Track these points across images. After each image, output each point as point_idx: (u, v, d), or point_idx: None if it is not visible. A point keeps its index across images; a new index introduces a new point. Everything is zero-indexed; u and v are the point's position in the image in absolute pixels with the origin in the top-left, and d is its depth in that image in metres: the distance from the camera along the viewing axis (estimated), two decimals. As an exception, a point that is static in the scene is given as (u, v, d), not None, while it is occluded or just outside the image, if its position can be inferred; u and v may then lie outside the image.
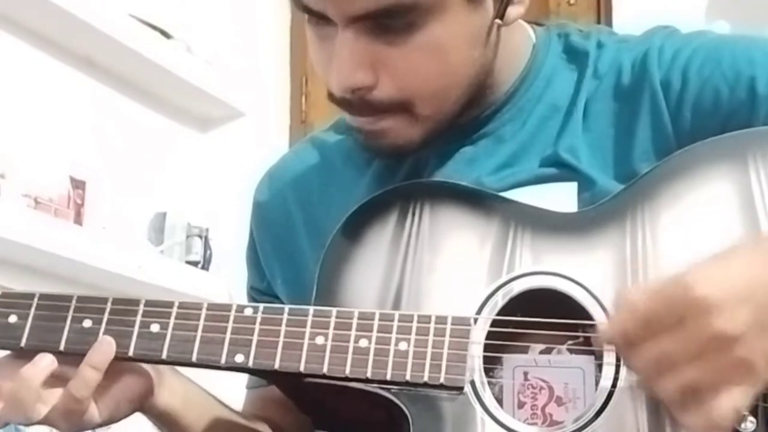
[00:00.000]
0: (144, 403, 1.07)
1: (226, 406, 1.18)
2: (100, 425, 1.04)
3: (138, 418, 1.10)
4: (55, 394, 1.01)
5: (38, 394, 1.00)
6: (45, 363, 1.00)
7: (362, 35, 1.04)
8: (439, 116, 1.10)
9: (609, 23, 2.64)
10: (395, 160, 1.17)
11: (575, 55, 1.18)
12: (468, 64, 1.09)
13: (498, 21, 1.09)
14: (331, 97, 1.10)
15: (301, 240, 1.24)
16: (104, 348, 1.00)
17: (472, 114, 1.15)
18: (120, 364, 1.03)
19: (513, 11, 1.10)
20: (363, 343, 0.99)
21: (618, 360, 0.97)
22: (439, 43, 1.05)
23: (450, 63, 1.07)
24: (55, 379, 1.01)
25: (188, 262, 2.77)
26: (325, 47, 1.07)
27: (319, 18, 1.06)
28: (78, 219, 2.50)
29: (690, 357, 0.86)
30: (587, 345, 1.00)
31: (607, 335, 0.92)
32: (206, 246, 2.80)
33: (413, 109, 1.08)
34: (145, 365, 1.05)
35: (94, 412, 1.02)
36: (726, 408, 0.87)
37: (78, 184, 2.52)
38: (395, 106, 1.07)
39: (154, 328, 1.01)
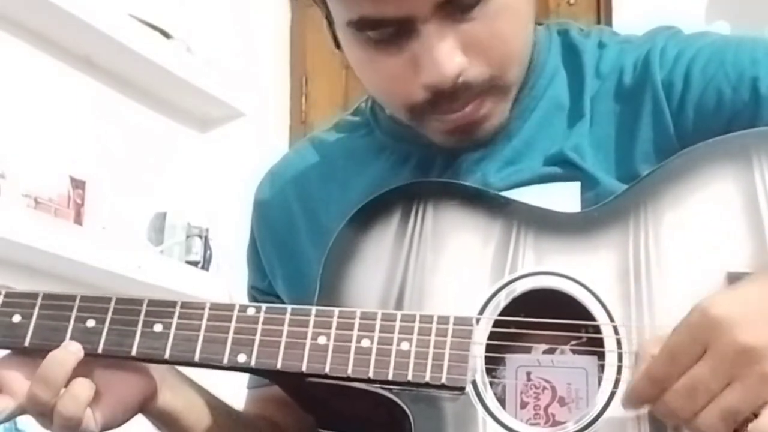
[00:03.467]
0: (146, 406, 1.07)
1: (228, 406, 1.18)
2: None
3: (138, 418, 1.09)
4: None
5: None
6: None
7: (445, 22, 1.05)
8: (518, 85, 1.13)
9: (609, 23, 2.64)
10: (424, 158, 1.18)
11: (574, 52, 1.18)
12: (531, 28, 1.13)
13: None
14: (414, 110, 1.10)
15: (302, 239, 1.23)
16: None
17: None
18: (119, 369, 1.03)
19: None
20: (365, 343, 0.98)
21: (620, 360, 0.96)
22: (512, 4, 1.08)
23: (524, 22, 1.11)
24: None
25: (188, 262, 2.77)
26: (392, 62, 1.07)
27: (394, 27, 1.05)
28: (78, 219, 2.51)
29: (723, 380, 0.85)
30: (590, 345, 1.00)
31: (633, 388, 0.90)
32: (206, 246, 2.81)
33: (503, 80, 1.09)
34: (148, 366, 1.05)
35: (90, 421, 1.01)
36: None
37: (78, 184, 2.53)
38: (488, 83, 1.08)
39: (157, 327, 1.01)
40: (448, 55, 1.05)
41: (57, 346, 1.00)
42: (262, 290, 1.29)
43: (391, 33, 1.06)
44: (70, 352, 1.00)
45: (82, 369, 1.00)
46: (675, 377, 0.87)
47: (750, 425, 0.86)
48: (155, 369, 1.06)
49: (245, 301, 1.31)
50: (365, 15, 1.05)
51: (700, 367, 0.86)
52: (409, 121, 1.13)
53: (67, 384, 1.00)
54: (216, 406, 1.15)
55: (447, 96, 1.07)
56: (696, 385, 0.86)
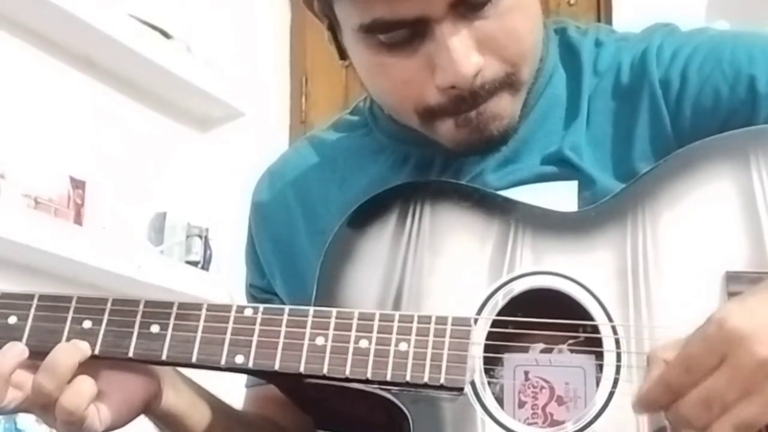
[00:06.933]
0: (150, 406, 1.07)
1: (229, 406, 1.18)
2: None
3: (138, 420, 1.09)
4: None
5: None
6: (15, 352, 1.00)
7: (460, 21, 1.04)
8: (530, 81, 1.12)
9: (609, 23, 2.64)
10: (424, 158, 1.17)
11: (572, 51, 1.18)
12: (541, 25, 1.13)
13: None
14: (425, 113, 1.09)
15: (301, 238, 1.23)
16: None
17: None
18: (123, 370, 1.03)
19: None
20: (363, 343, 0.98)
21: (618, 360, 0.97)
22: (522, 1, 1.08)
23: (535, 18, 1.11)
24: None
25: (188, 262, 2.77)
26: (404, 65, 1.07)
27: (407, 29, 1.05)
28: (78, 219, 2.51)
29: (740, 392, 0.84)
30: (588, 344, 1.00)
31: (646, 393, 0.88)
32: (206, 246, 2.80)
33: (518, 77, 1.09)
34: (152, 367, 1.05)
35: (94, 419, 1.01)
36: None
37: (78, 184, 2.53)
38: (501, 82, 1.08)
39: (154, 328, 1.01)
40: (465, 54, 1.04)
41: (53, 348, 1.00)
42: (261, 288, 1.29)
43: (404, 35, 1.05)
44: (77, 347, 1.00)
45: (87, 369, 1.00)
46: (690, 387, 0.85)
47: None
48: (158, 369, 1.06)
49: (245, 300, 1.31)
50: (379, 17, 1.04)
51: (717, 378, 0.84)
52: (418, 125, 1.12)
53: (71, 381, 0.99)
54: (217, 406, 1.15)
55: (463, 96, 1.06)
56: (711, 396, 0.84)
